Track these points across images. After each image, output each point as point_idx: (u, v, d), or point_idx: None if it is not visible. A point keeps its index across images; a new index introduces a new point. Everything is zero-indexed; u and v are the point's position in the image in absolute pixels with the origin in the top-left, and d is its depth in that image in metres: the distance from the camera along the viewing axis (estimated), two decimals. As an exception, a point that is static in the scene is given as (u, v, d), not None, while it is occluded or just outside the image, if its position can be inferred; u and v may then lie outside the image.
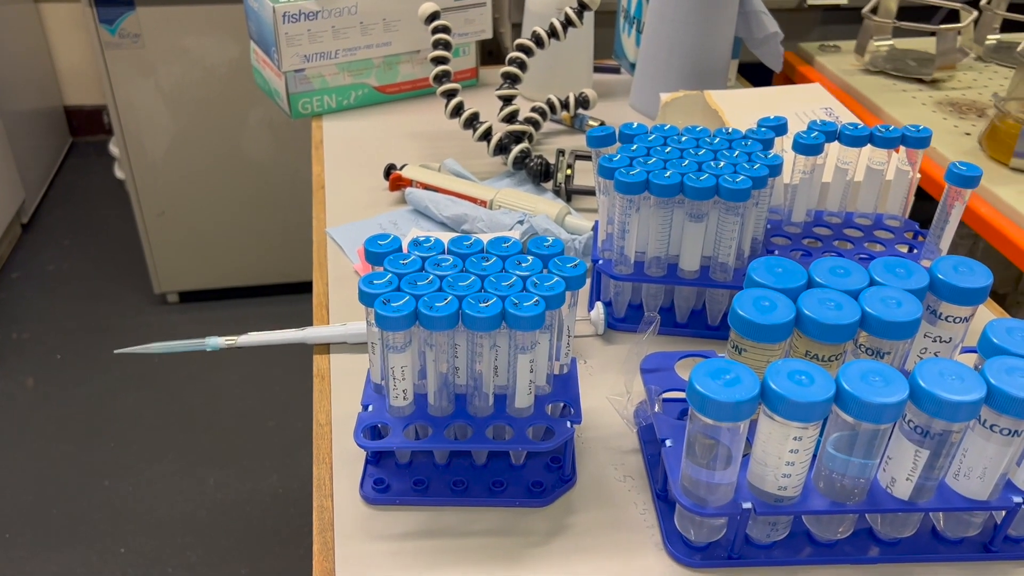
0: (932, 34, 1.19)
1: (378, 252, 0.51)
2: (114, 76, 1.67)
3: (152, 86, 1.69)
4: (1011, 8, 1.28)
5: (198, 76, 1.71)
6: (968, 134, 1.06)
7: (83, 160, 2.53)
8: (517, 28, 1.44)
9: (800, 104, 0.88)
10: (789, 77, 1.29)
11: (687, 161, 0.63)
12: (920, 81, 1.20)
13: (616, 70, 1.14)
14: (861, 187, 0.71)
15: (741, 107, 0.87)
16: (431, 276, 0.49)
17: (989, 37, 1.29)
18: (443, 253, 0.52)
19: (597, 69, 1.12)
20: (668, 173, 0.61)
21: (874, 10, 1.23)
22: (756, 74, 1.08)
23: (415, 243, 0.53)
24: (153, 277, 1.92)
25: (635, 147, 0.65)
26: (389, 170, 0.86)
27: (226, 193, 1.84)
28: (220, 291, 1.98)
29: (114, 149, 2.27)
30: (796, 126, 0.85)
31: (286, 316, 1.92)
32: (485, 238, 0.54)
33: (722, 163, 0.62)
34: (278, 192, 1.85)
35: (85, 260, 2.11)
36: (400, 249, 0.52)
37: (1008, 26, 1.29)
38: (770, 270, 0.50)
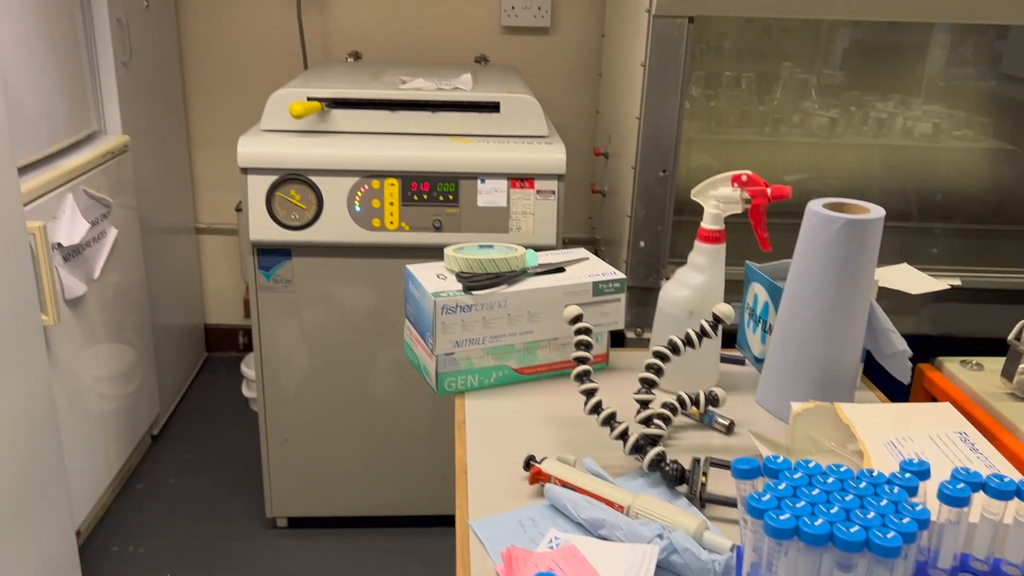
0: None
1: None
2: (263, 315, 1.83)
3: (296, 325, 1.85)
4: None
5: (337, 319, 1.85)
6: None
7: (215, 375, 2.72)
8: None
9: (932, 425, 0.90)
10: (927, 390, 1.30)
11: (835, 507, 0.65)
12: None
13: (741, 361, 1.19)
14: (1010, 533, 0.71)
15: (872, 423, 0.90)
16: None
17: None
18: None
19: (722, 359, 1.18)
20: (818, 521, 0.63)
21: (1019, 336, 1.24)
22: (885, 379, 1.11)
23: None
24: (267, 501, 1.98)
25: (782, 485, 0.68)
26: (529, 462, 0.91)
27: (349, 427, 1.93)
28: (328, 519, 2.02)
29: (247, 370, 2.44)
30: (930, 449, 0.87)
31: (388, 550, 1.94)
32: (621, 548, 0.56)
33: (871, 513, 0.64)
34: (397, 429, 1.93)
35: (205, 475, 2.21)
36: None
37: None
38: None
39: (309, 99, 1.77)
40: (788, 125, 2.18)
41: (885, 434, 0.88)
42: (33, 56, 1.75)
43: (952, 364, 1.32)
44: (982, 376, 1.27)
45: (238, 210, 2.54)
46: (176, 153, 2.54)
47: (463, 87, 1.86)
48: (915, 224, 2.22)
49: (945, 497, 0.68)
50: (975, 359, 1.30)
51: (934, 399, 1.40)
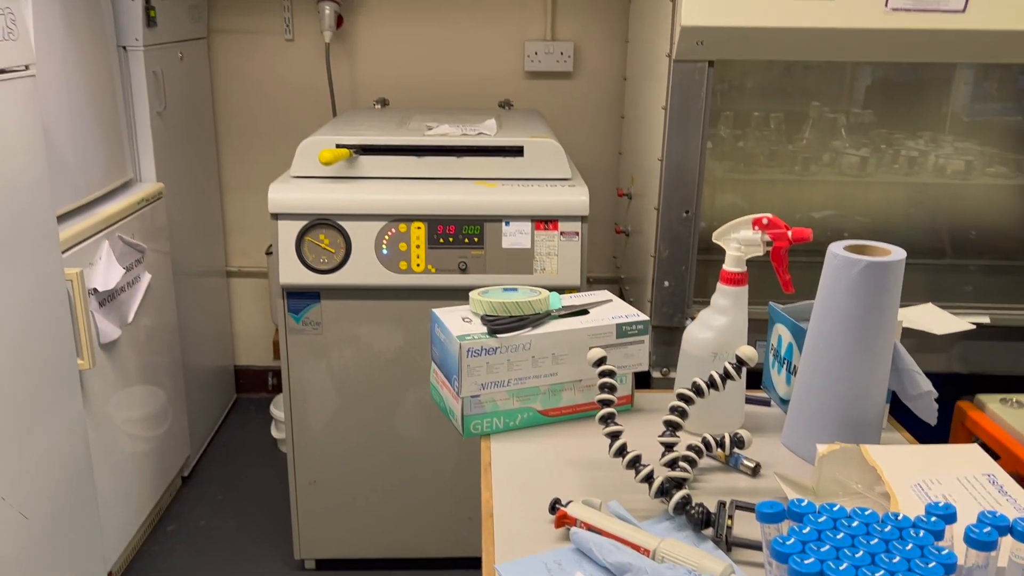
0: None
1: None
2: (292, 357, 1.86)
3: (324, 367, 1.87)
4: None
5: (365, 359, 1.88)
6: None
7: (244, 416, 2.74)
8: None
9: (960, 467, 0.89)
10: (968, 428, 1.30)
11: (860, 551, 0.65)
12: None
13: (766, 402, 1.19)
14: (1038, 579, 0.70)
15: (899, 465, 0.89)
16: None
17: None
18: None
19: (748, 400, 1.18)
20: (843, 565, 0.63)
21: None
22: (915, 419, 1.10)
23: None
24: (296, 543, 1.99)
25: (807, 529, 0.68)
26: (554, 505, 0.92)
27: (376, 468, 1.94)
28: (356, 561, 2.02)
29: (275, 411, 2.46)
30: (958, 491, 0.86)
31: (416, 593, 1.94)
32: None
33: (896, 558, 0.64)
34: (423, 470, 1.94)
35: (234, 517, 2.23)
36: None
37: None
38: None
39: (338, 146, 1.81)
40: (817, 164, 2.19)
41: (912, 476, 0.88)
42: (74, 109, 1.81)
43: (992, 402, 1.31)
44: (1023, 414, 1.26)
45: (268, 253, 2.59)
46: (208, 199, 2.61)
47: (487, 132, 1.90)
48: (946, 261, 2.21)
49: (972, 541, 0.68)
50: (1015, 397, 1.29)
51: (975, 437, 1.39)
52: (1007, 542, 0.69)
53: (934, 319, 1.11)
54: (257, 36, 2.57)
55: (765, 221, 1.05)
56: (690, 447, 0.99)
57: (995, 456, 0.92)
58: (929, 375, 1.03)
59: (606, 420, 0.97)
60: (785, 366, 1.13)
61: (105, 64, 1.97)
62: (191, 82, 2.42)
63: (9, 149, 1.39)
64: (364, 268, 1.78)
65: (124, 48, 2.06)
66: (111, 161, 2.00)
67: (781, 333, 1.13)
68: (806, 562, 0.64)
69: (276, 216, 1.74)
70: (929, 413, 1.00)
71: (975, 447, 0.92)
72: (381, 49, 2.57)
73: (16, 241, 1.41)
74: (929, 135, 2.18)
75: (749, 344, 1.04)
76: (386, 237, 1.75)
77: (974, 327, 1.14)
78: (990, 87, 2.18)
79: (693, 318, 1.12)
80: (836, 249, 0.97)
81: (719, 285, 1.08)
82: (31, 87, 1.46)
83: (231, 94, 2.62)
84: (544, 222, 1.75)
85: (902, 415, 1.15)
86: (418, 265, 1.77)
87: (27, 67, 1.44)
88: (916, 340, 1.16)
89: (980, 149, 2.17)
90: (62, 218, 1.74)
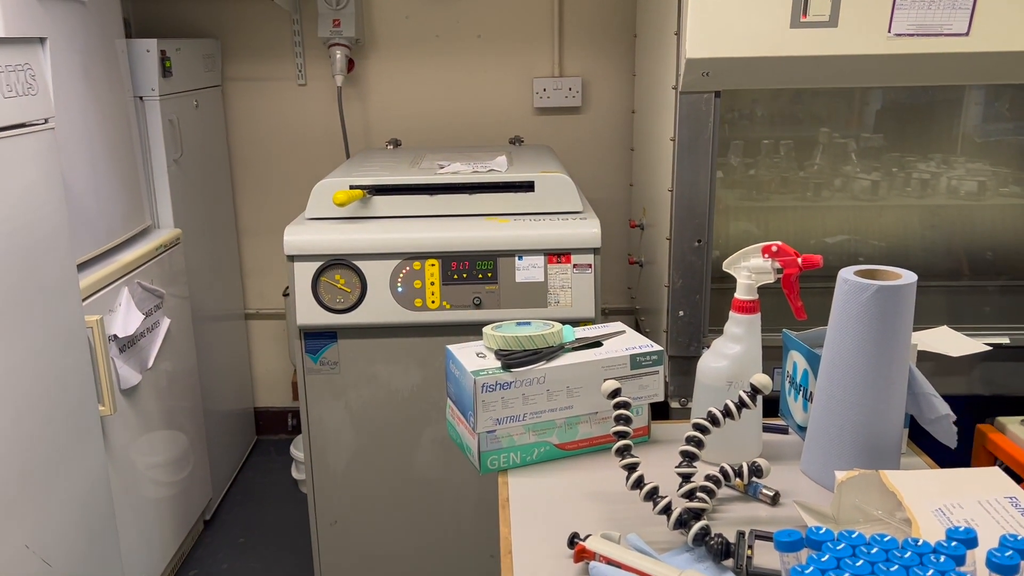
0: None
1: None
2: (311, 397, 1.87)
3: (342, 406, 1.88)
4: None
5: (382, 397, 1.88)
6: None
7: (265, 458, 2.75)
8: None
9: (981, 490, 0.88)
10: (989, 451, 1.28)
11: (879, 579, 0.65)
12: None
13: (784, 430, 1.18)
14: (1065, 603, 0.69)
15: (919, 490, 0.88)
16: None
17: None
18: None
19: (765, 428, 1.17)
20: (862, 594, 0.63)
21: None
22: (935, 443, 1.09)
23: None
24: (317, 584, 1.98)
25: (825, 557, 0.68)
26: (573, 539, 0.91)
27: (397, 506, 1.93)
28: (377, 602, 2.01)
29: (296, 452, 2.47)
30: (981, 515, 0.85)
31: (439, 634, 1.92)
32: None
33: (916, 585, 0.64)
34: (444, 508, 1.93)
35: (256, 560, 2.23)
36: None
37: None
38: None
39: (352, 187, 1.83)
40: (829, 189, 2.19)
41: (933, 501, 0.87)
42: (93, 159, 1.85)
43: (1013, 424, 1.30)
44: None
45: (285, 295, 2.62)
46: (225, 243, 2.64)
47: (498, 168, 1.92)
48: (964, 283, 2.19)
49: (993, 565, 0.67)
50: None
51: (996, 459, 1.37)
52: (1031, 566, 0.68)
53: (949, 342, 1.11)
54: (270, 82, 2.62)
55: (774, 248, 1.06)
56: (708, 477, 0.98)
57: (1017, 479, 0.91)
58: (949, 398, 1.02)
59: (622, 452, 0.97)
60: (801, 393, 1.12)
61: (122, 114, 2.01)
62: (206, 129, 2.46)
63: (30, 201, 1.42)
64: (380, 307, 1.79)
65: (141, 98, 2.11)
66: (129, 208, 2.04)
67: (796, 360, 1.13)
68: (826, 591, 0.63)
69: (292, 258, 1.76)
70: (948, 436, 0.99)
71: (996, 470, 0.91)
72: (392, 91, 2.62)
73: (38, 290, 1.44)
74: (941, 157, 2.18)
75: (765, 372, 1.03)
76: (401, 275, 1.77)
77: (990, 348, 1.13)
78: (1001, 107, 2.18)
79: (709, 347, 1.12)
80: (846, 274, 0.97)
81: (731, 314, 1.08)
82: (50, 140, 1.49)
83: (246, 139, 2.67)
84: (557, 255, 1.76)
85: (922, 440, 1.13)
86: (433, 302, 1.79)
87: (46, 120, 1.48)
88: (935, 363, 1.16)
89: (993, 169, 2.16)
90: (82, 266, 1.77)
